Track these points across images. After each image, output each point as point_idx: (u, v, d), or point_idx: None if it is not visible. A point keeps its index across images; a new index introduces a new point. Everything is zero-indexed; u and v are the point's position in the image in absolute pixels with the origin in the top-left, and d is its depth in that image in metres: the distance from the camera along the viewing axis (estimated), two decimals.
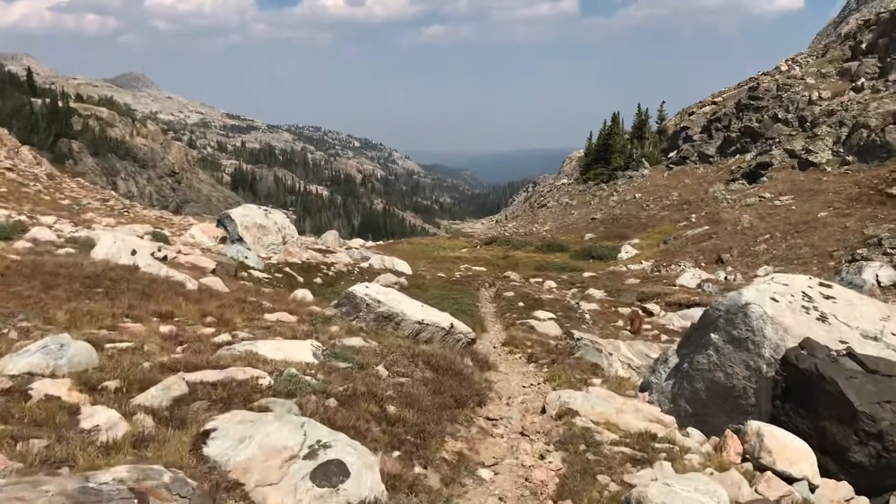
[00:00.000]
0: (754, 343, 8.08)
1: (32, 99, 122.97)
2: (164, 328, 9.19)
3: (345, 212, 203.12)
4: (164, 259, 17.26)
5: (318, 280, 23.67)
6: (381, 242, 68.59)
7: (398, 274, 28.96)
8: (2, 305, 9.15)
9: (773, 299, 8.33)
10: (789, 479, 6.90)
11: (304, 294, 17.26)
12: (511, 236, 70.22)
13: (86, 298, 10.77)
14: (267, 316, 11.85)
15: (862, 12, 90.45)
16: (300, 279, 22.92)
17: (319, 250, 33.15)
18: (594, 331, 19.86)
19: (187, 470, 4.62)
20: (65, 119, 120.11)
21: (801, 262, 36.02)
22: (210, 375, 6.73)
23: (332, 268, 27.02)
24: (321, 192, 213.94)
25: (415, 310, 12.58)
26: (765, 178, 53.25)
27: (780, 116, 58.73)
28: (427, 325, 12.27)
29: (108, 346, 7.64)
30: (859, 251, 34.03)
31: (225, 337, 8.99)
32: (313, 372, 7.58)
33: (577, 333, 14.70)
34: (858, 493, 6.91)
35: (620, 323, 22.49)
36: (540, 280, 35.01)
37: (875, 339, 8.12)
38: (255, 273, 21.35)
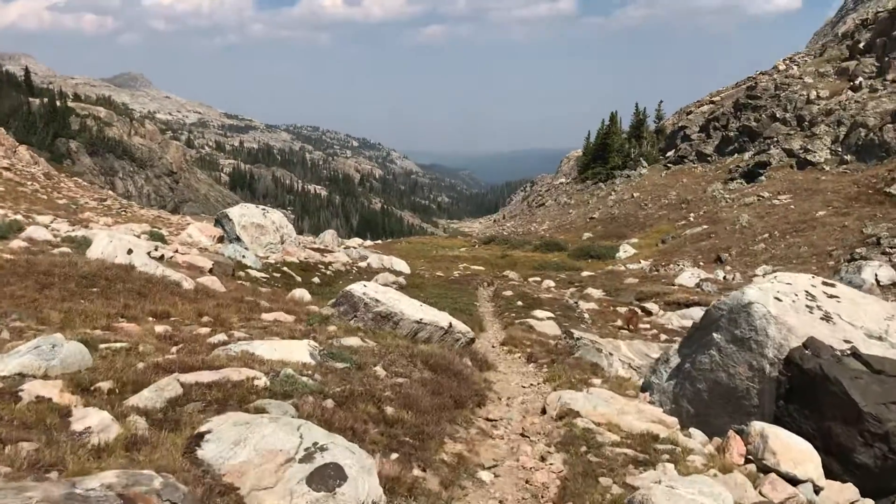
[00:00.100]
0: (757, 343, 7.98)
1: (30, 99, 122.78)
2: (160, 328, 9.07)
3: (343, 211, 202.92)
4: (161, 258, 17.13)
5: (316, 279, 23.55)
6: (379, 242, 68.48)
7: (396, 273, 28.86)
8: None
9: (777, 298, 8.22)
10: (794, 481, 6.80)
11: (301, 293, 17.15)
12: (509, 236, 70.15)
13: (81, 298, 10.65)
14: (264, 315, 11.74)
15: (859, 12, 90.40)
16: (298, 278, 22.80)
17: (317, 250, 33.04)
18: (593, 330, 19.76)
19: (180, 474, 4.51)
20: (62, 119, 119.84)
21: (800, 262, 35.97)
22: (205, 376, 6.61)
23: (330, 267, 26.91)
24: (319, 191, 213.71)
25: (413, 309, 12.46)
26: (763, 178, 53.20)
27: (778, 116, 58.71)
28: (426, 324, 12.16)
29: (102, 346, 7.51)
30: (858, 250, 33.98)
31: (221, 337, 8.87)
32: (310, 372, 7.47)
33: (576, 333, 14.59)
34: (864, 494, 6.81)
35: (619, 322, 22.39)
36: (538, 279, 34.93)
37: (880, 338, 8.02)
38: (253, 272, 21.22)
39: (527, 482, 6.46)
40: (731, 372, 8.23)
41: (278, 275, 22.41)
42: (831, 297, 8.67)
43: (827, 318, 8.16)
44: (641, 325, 21.95)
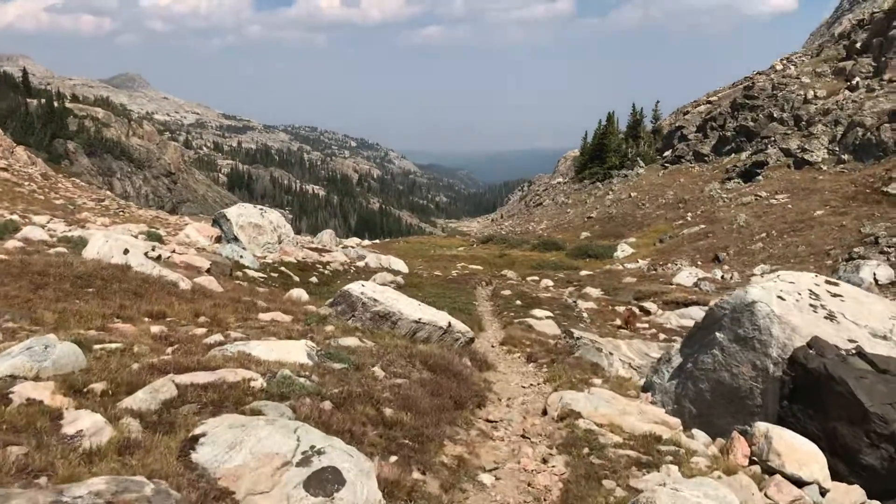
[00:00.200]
0: (761, 342, 7.87)
1: (28, 99, 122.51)
2: (156, 328, 8.95)
3: (341, 211, 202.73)
4: (159, 258, 17.01)
5: (314, 279, 23.44)
6: (377, 241, 68.33)
7: (394, 272, 28.75)
8: None
9: (780, 297, 8.12)
10: (799, 483, 6.70)
11: (299, 293, 17.04)
12: (507, 235, 70.04)
13: (76, 298, 10.52)
14: (261, 316, 11.62)
15: (855, 12, 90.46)
16: (296, 278, 22.69)
17: (315, 249, 32.92)
18: (592, 329, 19.67)
19: (174, 479, 4.39)
20: (60, 119, 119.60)
21: (798, 261, 35.88)
22: (201, 377, 6.49)
23: (328, 267, 26.80)
24: (317, 191, 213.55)
25: (412, 309, 12.34)
26: (760, 177, 53.12)
27: (775, 115, 58.62)
28: (424, 324, 12.04)
29: (96, 347, 7.39)
30: (856, 250, 33.89)
31: (217, 337, 8.75)
32: (307, 373, 7.35)
33: (576, 332, 14.49)
34: (870, 496, 6.71)
35: (618, 322, 22.31)
36: (536, 278, 34.83)
37: (884, 337, 7.92)
38: (251, 272, 21.10)
39: (528, 485, 6.35)
40: (734, 372, 8.12)
41: (276, 275, 22.29)
42: (835, 295, 8.57)
43: (831, 317, 8.06)
44: (640, 325, 21.87)
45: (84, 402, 5.66)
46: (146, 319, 9.81)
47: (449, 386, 8.47)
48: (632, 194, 66.35)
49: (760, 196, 49.48)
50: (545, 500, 6.13)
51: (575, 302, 25.56)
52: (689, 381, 8.84)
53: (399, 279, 26.12)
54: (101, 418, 5.16)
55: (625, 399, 8.80)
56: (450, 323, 12.50)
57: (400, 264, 32.83)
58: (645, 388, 9.91)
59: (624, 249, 49.62)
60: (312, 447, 4.88)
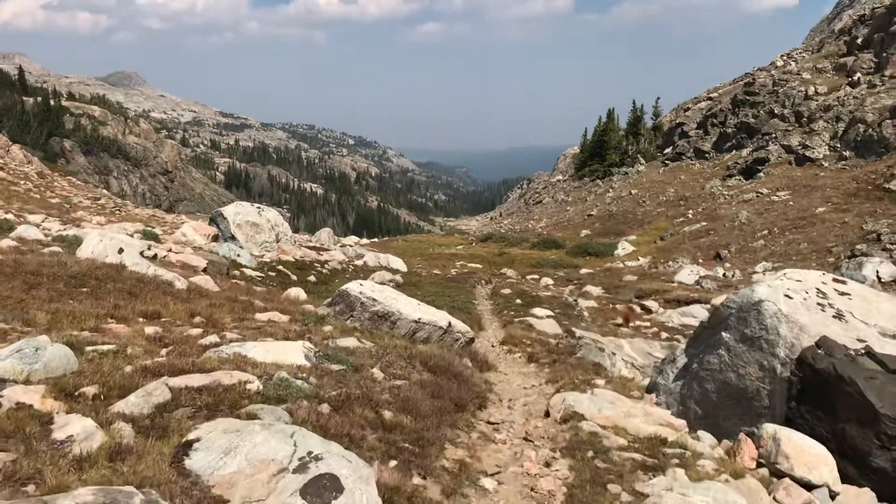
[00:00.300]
0: (768, 342, 7.71)
1: (24, 98, 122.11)
2: (150, 329, 8.78)
3: (339, 210, 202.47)
4: (154, 257, 16.84)
5: (312, 278, 23.29)
6: (375, 240, 68.16)
7: (393, 271, 28.61)
8: None
9: (787, 296, 7.96)
10: (808, 486, 6.55)
11: (297, 292, 16.88)
12: (507, 233, 69.86)
13: (69, 299, 10.36)
14: (258, 315, 11.45)
15: (855, 8, 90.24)
16: (294, 277, 22.53)
17: (313, 248, 32.75)
18: (593, 329, 19.52)
19: (166, 486, 4.24)
20: (57, 118, 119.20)
21: (800, 258, 35.75)
22: (195, 380, 6.33)
23: (327, 265, 26.65)
24: (315, 189, 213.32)
25: (411, 308, 12.18)
26: (761, 174, 52.96)
27: (776, 112, 58.47)
28: (424, 324, 11.89)
29: (88, 348, 7.23)
30: (858, 247, 33.77)
31: (213, 338, 8.59)
32: (305, 375, 7.19)
33: (578, 332, 14.33)
34: (881, 499, 6.56)
35: (620, 320, 22.15)
36: (536, 277, 34.68)
37: (894, 337, 7.76)
38: (248, 271, 20.94)
39: (532, 490, 6.19)
40: (740, 372, 7.96)
41: (273, 274, 22.14)
42: (843, 294, 8.41)
43: (839, 316, 7.90)
44: (642, 323, 21.72)
45: (75, 406, 5.51)
46: (141, 320, 9.66)
47: (449, 387, 8.31)
48: (632, 192, 66.18)
49: (762, 193, 49.33)
50: None
51: (575, 300, 25.40)
52: (694, 382, 8.68)
53: (398, 278, 25.97)
54: (93, 423, 5.01)
55: (629, 400, 8.64)
56: (450, 323, 12.34)
57: (398, 263, 32.68)
58: (649, 389, 9.75)
59: (624, 247, 49.47)
60: (310, 453, 4.73)
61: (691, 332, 19.13)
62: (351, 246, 41.38)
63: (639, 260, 44.13)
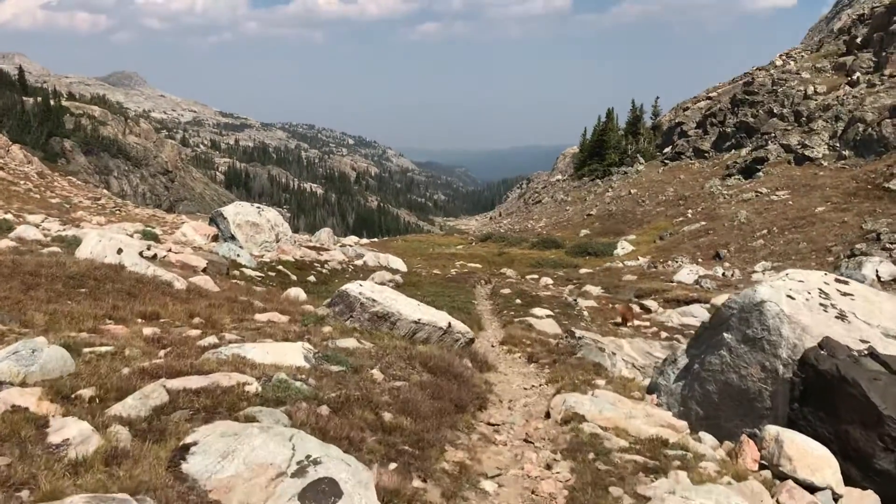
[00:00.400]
0: (770, 343, 7.65)
1: (24, 98, 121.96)
2: (148, 330, 8.72)
3: (339, 209, 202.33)
4: (154, 258, 16.79)
5: (312, 278, 23.24)
6: (375, 240, 68.11)
7: (393, 271, 28.56)
8: None
9: (790, 297, 7.90)
10: (811, 489, 6.50)
11: (296, 293, 16.83)
12: (506, 233, 69.80)
13: (67, 299, 10.31)
14: (257, 316, 11.40)
15: (854, 7, 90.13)
16: (293, 277, 22.49)
17: (313, 248, 32.69)
18: (593, 328, 19.48)
19: (161, 491, 4.18)
20: (57, 118, 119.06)
21: (800, 258, 35.72)
22: (193, 382, 6.28)
23: (326, 265, 26.60)
24: (315, 189, 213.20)
25: (411, 309, 12.13)
26: (761, 174, 52.91)
27: (775, 111, 58.42)
28: (424, 324, 11.83)
29: (86, 350, 7.18)
30: (858, 246, 33.73)
31: (211, 339, 8.53)
32: (304, 376, 7.13)
33: (578, 332, 14.27)
34: (885, 502, 6.50)
35: (620, 320, 22.11)
36: (536, 277, 34.64)
37: None
38: (248, 271, 20.89)
39: (532, 492, 6.13)
40: (742, 373, 7.91)
41: (273, 274, 22.09)
42: (845, 294, 8.35)
43: (842, 316, 7.84)
44: (641, 323, 21.66)
45: (72, 408, 5.45)
46: (139, 321, 9.61)
47: (449, 388, 8.26)
48: (631, 191, 66.13)
49: (761, 192, 49.29)
50: None
51: (575, 300, 25.36)
52: (695, 383, 8.62)
53: (398, 278, 25.93)
54: (89, 426, 4.95)
55: (630, 401, 8.59)
56: (450, 323, 12.29)
57: (398, 263, 32.64)
58: (650, 390, 9.70)
59: (624, 247, 49.43)
60: (308, 456, 4.68)
61: (691, 331, 19.11)
62: (351, 246, 41.33)
63: (638, 259, 44.09)
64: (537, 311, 20.96)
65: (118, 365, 6.75)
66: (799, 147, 51.94)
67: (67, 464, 4.44)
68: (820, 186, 45.49)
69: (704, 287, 31.12)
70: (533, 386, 10.77)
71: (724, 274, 35.92)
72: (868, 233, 34.97)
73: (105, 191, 79.13)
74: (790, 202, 45.36)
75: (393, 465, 5.64)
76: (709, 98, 77.55)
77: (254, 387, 6.39)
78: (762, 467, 6.92)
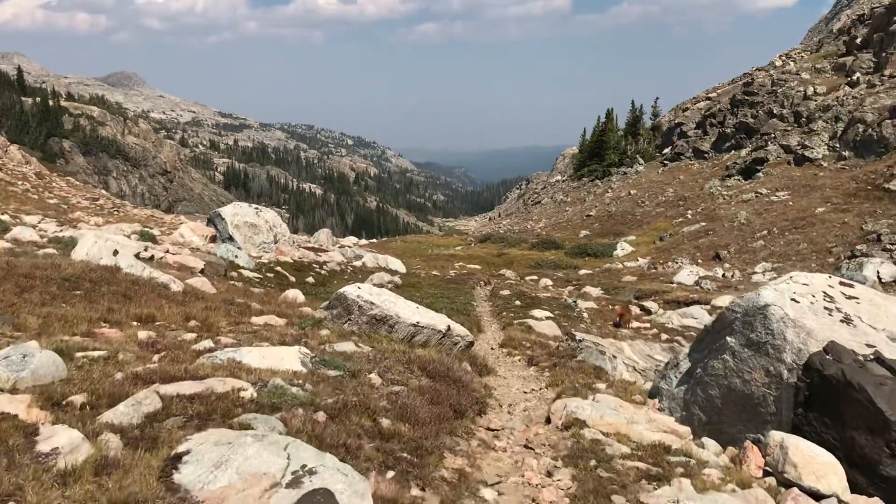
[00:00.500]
0: (774, 347, 7.53)
1: (23, 98, 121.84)
2: (143, 334, 8.60)
3: (338, 210, 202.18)
4: (151, 259, 16.66)
5: (311, 279, 23.12)
6: (374, 241, 67.99)
7: (392, 272, 28.44)
8: None
9: (794, 300, 7.78)
10: (817, 496, 6.37)
11: (295, 294, 16.71)
12: (505, 234, 69.65)
13: (62, 302, 10.19)
14: (254, 319, 11.28)
15: (854, 8, 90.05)
16: (292, 279, 22.37)
17: (312, 249, 32.57)
18: (593, 330, 19.35)
19: (152, 503, 4.07)
20: (55, 118, 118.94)
21: (800, 259, 35.60)
22: (187, 387, 6.16)
23: (325, 266, 26.48)
24: (314, 190, 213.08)
25: (409, 311, 12.01)
26: (761, 174, 52.78)
27: (775, 112, 58.30)
28: (423, 327, 11.71)
29: (79, 354, 7.06)
30: (858, 247, 33.62)
31: (207, 343, 8.41)
32: (301, 382, 7.01)
33: (578, 335, 14.15)
34: None
35: (617, 320, 21.99)
36: (535, 278, 34.52)
37: None
38: (246, 273, 20.77)
39: (533, 500, 6.00)
40: (746, 378, 7.78)
41: (271, 275, 21.97)
42: (850, 297, 8.23)
43: (847, 320, 7.72)
44: (641, 325, 21.54)
45: (62, 415, 5.33)
46: (134, 324, 9.49)
47: (448, 393, 8.13)
48: (631, 192, 66.00)
49: (761, 193, 49.17)
50: None
51: (575, 302, 25.24)
52: (698, 387, 8.50)
53: (396, 279, 25.81)
54: (79, 434, 4.82)
55: (631, 406, 8.47)
56: (449, 326, 12.17)
57: (397, 264, 32.51)
58: (652, 394, 9.57)
59: (623, 248, 49.31)
60: (303, 466, 4.56)
61: (691, 333, 19.00)
62: (350, 247, 41.20)
63: (638, 260, 43.97)
64: (537, 312, 20.84)
65: (111, 370, 6.64)
66: (799, 148, 51.82)
67: (56, 474, 4.32)
68: (820, 187, 45.38)
69: (704, 288, 31.03)
70: (533, 390, 10.65)
71: (724, 275, 35.82)
72: (868, 234, 34.86)
73: (103, 191, 78.97)
74: (790, 203, 45.25)
75: (391, 473, 5.52)
76: (708, 99, 77.45)
77: (249, 392, 6.28)
78: (766, 474, 6.81)
